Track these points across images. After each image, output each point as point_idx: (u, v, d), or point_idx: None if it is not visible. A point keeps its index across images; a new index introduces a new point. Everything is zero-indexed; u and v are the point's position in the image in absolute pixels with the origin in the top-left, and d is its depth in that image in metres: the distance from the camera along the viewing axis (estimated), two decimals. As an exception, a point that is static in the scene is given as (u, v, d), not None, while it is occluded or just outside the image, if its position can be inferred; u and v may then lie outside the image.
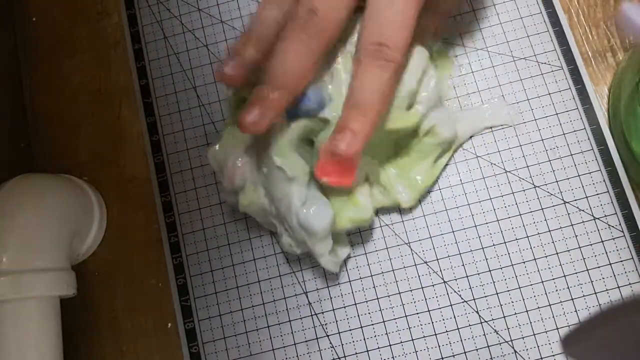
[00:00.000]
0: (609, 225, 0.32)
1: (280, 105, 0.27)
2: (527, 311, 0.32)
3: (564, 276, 0.32)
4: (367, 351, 0.32)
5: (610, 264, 0.32)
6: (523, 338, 0.31)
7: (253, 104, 0.27)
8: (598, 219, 0.32)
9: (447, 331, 0.32)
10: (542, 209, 0.33)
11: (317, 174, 0.28)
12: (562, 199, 0.33)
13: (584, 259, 0.32)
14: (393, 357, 0.32)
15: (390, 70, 0.27)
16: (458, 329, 0.32)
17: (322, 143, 0.28)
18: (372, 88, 0.27)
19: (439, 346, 0.32)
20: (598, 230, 0.32)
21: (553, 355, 0.31)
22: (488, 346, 0.31)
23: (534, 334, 0.31)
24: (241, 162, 0.31)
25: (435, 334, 0.32)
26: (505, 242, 0.33)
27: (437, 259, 0.33)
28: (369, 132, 0.27)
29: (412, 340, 0.32)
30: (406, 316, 0.32)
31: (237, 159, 0.31)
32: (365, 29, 0.27)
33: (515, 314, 0.32)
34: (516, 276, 0.32)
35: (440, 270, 0.33)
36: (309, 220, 0.29)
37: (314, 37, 0.26)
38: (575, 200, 0.33)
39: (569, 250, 0.32)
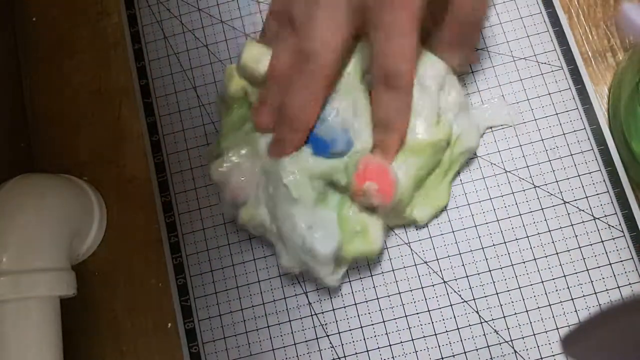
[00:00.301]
0: (609, 225, 0.32)
1: (298, 141, 0.30)
2: (527, 311, 0.32)
3: (564, 276, 0.32)
4: (367, 351, 0.32)
5: (610, 264, 0.32)
6: (523, 338, 0.31)
7: (274, 143, 0.30)
8: (598, 219, 0.32)
9: (447, 331, 0.32)
10: (542, 209, 0.33)
11: (358, 180, 0.29)
12: (562, 199, 0.33)
13: (584, 259, 0.32)
14: (393, 357, 0.32)
15: (403, 94, 0.29)
16: (458, 329, 0.32)
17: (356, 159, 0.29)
18: (391, 112, 0.29)
19: (439, 346, 0.32)
20: (598, 230, 0.32)
21: (553, 355, 0.31)
22: (488, 346, 0.31)
23: (534, 334, 0.31)
24: (246, 177, 0.31)
25: (435, 334, 0.32)
26: (505, 242, 0.33)
27: (437, 259, 0.33)
28: (397, 146, 0.30)
29: (412, 340, 0.32)
30: (406, 316, 0.32)
31: (241, 174, 0.31)
32: (374, 60, 0.28)
33: (515, 314, 0.32)
34: (516, 276, 0.32)
35: (440, 270, 0.33)
36: (314, 245, 0.29)
37: (313, 79, 0.29)
38: (575, 200, 0.33)
39: (569, 250, 0.32)
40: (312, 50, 0.28)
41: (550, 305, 0.32)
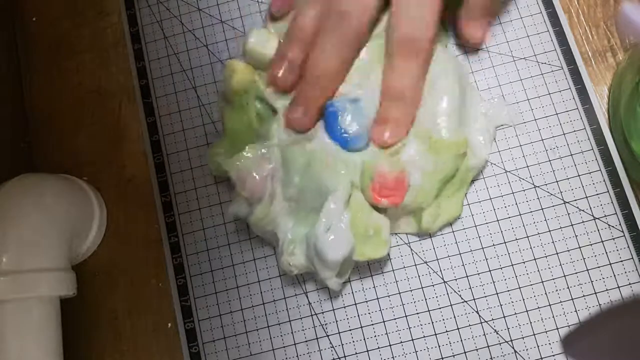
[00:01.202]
0: (609, 225, 0.32)
1: (321, 101, 0.29)
2: (527, 311, 0.32)
3: (564, 276, 0.32)
4: (367, 351, 0.32)
5: (610, 264, 0.32)
6: (523, 338, 0.31)
7: (297, 102, 0.29)
8: (598, 219, 0.32)
9: (447, 331, 0.32)
10: (542, 209, 0.33)
11: (375, 194, 0.29)
12: (562, 199, 0.33)
13: (584, 259, 0.32)
14: (393, 357, 0.32)
15: (421, 60, 0.29)
16: (458, 329, 0.32)
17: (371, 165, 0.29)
18: (407, 79, 0.29)
19: (439, 346, 0.32)
20: (598, 230, 0.32)
21: (553, 355, 0.31)
22: (488, 346, 0.31)
23: (534, 334, 0.31)
24: (264, 174, 0.30)
25: (435, 334, 0.32)
26: (505, 242, 0.33)
27: (437, 259, 0.33)
28: (410, 119, 0.29)
29: (412, 340, 0.32)
30: (406, 316, 0.32)
31: (260, 171, 0.30)
32: (394, 24, 0.28)
33: (515, 314, 0.32)
34: (516, 276, 0.32)
35: (440, 270, 0.33)
36: (324, 248, 0.29)
37: (345, 39, 0.28)
38: (575, 200, 0.33)
39: (569, 250, 0.32)
40: (347, 11, 0.27)
41: (550, 305, 0.32)
